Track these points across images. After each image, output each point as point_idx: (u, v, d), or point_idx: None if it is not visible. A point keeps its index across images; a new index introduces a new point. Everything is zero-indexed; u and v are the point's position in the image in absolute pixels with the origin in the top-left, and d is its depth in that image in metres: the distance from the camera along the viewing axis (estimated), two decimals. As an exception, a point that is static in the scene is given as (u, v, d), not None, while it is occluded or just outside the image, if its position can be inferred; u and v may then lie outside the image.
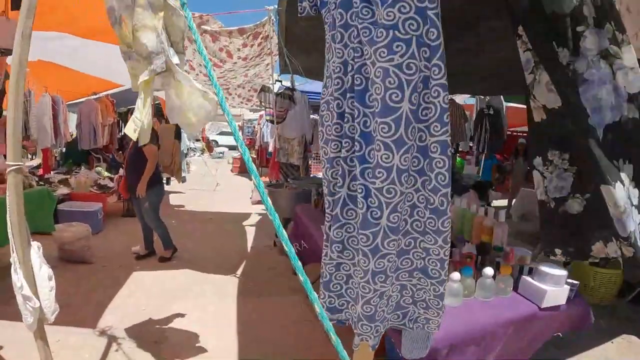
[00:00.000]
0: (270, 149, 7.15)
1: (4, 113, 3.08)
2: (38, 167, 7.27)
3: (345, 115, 1.29)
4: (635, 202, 1.41)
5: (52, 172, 6.38)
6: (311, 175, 5.88)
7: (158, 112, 7.06)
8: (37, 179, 5.39)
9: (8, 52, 2.35)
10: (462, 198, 2.60)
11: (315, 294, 1.20)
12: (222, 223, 5.78)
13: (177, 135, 6.85)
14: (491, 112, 6.83)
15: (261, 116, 9.57)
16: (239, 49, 3.41)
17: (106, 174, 6.41)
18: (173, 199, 7.38)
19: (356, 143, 1.26)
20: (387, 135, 1.17)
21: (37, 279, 1.39)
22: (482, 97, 6.94)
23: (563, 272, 1.77)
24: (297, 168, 5.33)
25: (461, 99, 7.27)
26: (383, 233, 1.23)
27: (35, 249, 1.40)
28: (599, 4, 1.26)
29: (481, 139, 7.05)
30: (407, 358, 1.47)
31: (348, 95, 1.27)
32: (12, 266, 1.34)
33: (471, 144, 8.15)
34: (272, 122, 4.72)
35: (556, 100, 1.35)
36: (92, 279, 3.51)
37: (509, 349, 1.71)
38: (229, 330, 2.78)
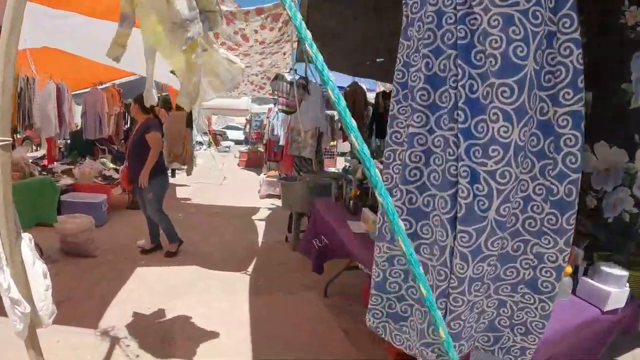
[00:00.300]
0: (282, 142, 6.90)
1: None
2: (42, 158, 7.13)
3: (437, 77, 1.02)
4: None
5: (56, 162, 6.21)
6: (327, 169, 5.66)
7: (165, 102, 6.89)
8: (39, 168, 5.22)
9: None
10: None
11: (439, 312, 0.91)
12: (230, 217, 5.60)
13: (189, 123, 6.65)
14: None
15: (270, 110, 9.35)
16: (255, 31, 3.17)
17: (111, 165, 6.24)
18: (179, 192, 7.21)
19: (459, 112, 0.98)
20: (508, 102, 0.91)
21: (30, 277, 1.19)
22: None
23: (624, 273, 1.64)
24: (311, 162, 5.11)
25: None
26: (490, 229, 0.96)
27: (27, 242, 1.19)
28: None
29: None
30: None
31: (445, 52, 1.00)
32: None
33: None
34: (284, 111, 4.49)
35: None
36: (95, 272, 3.37)
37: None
38: (240, 327, 2.63)
